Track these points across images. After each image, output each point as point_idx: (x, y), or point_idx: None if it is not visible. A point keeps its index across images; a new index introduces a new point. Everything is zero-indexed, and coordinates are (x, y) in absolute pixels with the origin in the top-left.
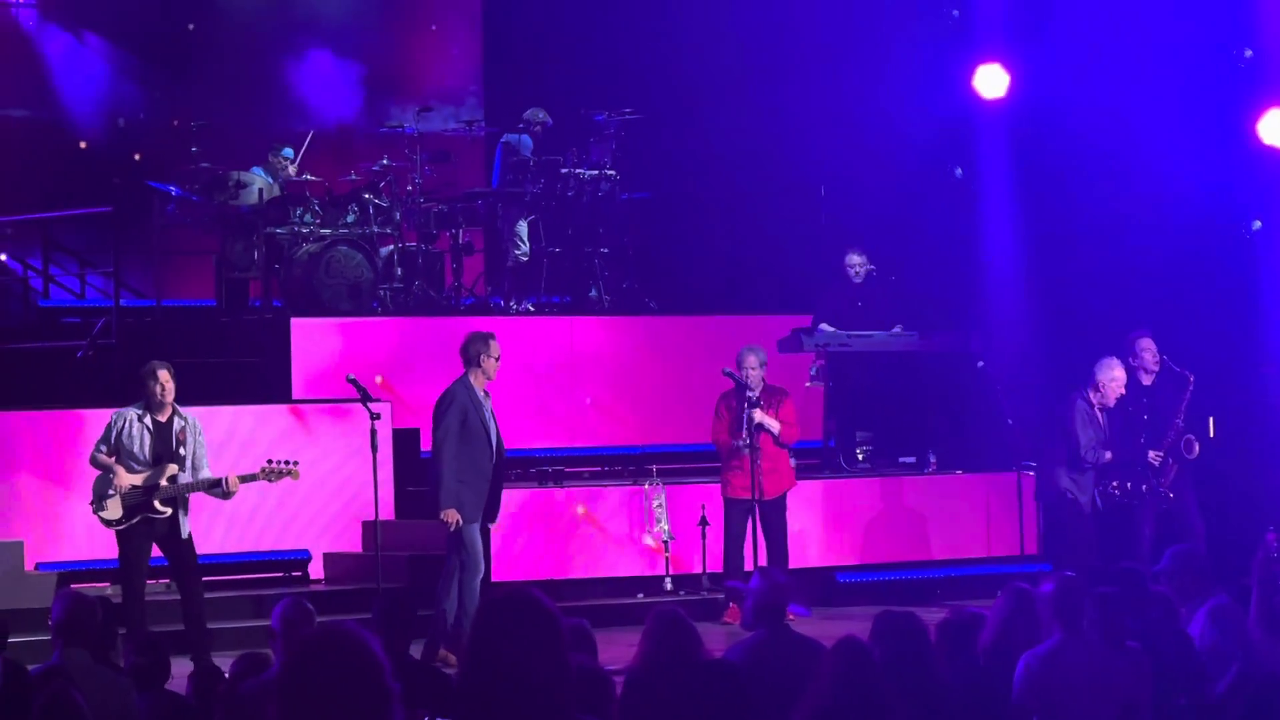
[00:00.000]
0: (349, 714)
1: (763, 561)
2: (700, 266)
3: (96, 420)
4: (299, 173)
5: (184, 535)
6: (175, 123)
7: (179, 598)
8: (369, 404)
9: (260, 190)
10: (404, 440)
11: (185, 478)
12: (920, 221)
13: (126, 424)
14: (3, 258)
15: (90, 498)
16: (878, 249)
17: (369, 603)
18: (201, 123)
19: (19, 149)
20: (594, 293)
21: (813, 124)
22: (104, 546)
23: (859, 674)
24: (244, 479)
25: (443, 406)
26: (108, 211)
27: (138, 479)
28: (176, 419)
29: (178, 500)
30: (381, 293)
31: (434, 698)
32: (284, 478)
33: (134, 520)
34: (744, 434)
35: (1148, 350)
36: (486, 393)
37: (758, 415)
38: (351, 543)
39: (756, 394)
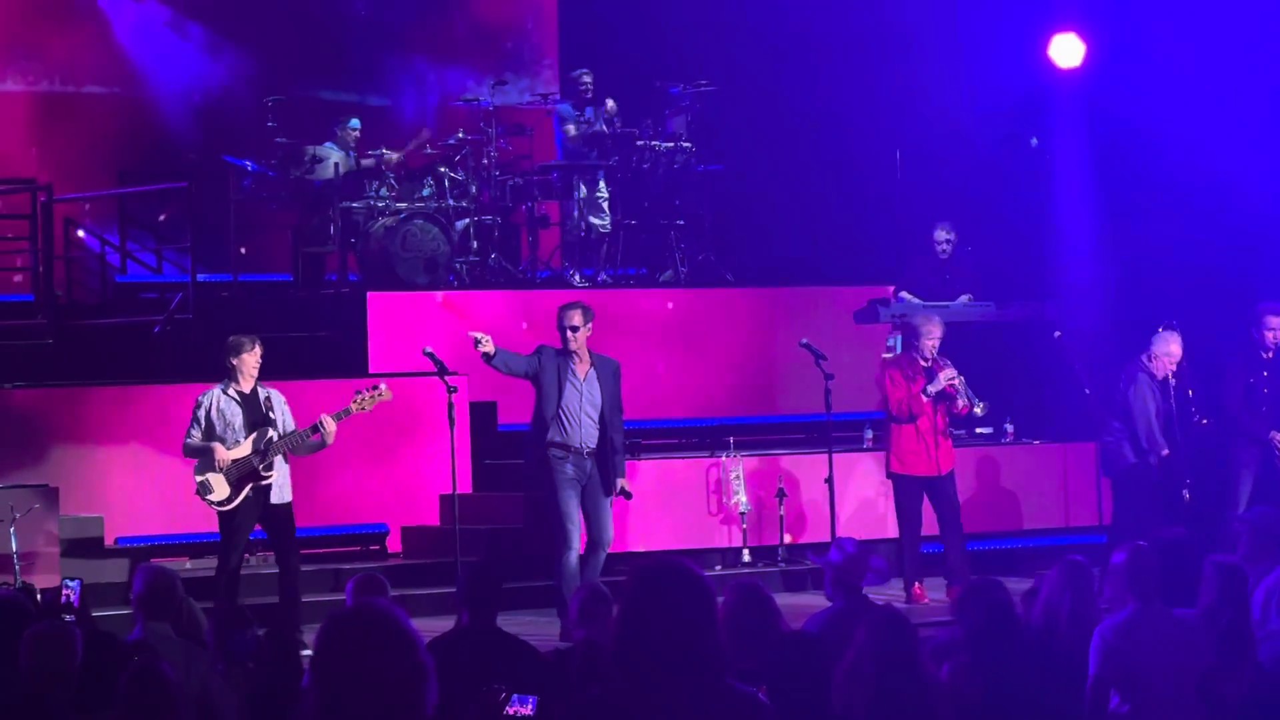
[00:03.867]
0: (383, 690)
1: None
2: (777, 238)
3: (174, 395)
4: (383, 160)
5: (286, 499)
6: (251, 98)
7: (276, 571)
8: (446, 377)
9: (336, 164)
10: (481, 413)
11: (280, 436)
12: (996, 191)
13: (214, 402)
14: (81, 234)
15: (195, 486)
16: (954, 219)
17: (447, 576)
18: (277, 98)
19: (96, 126)
20: (671, 267)
21: (888, 94)
22: (183, 521)
23: (894, 642)
24: (337, 417)
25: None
26: (184, 187)
27: (236, 452)
28: (260, 389)
29: (276, 464)
30: (458, 266)
31: (517, 672)
32: (377, 402)
33: (244, 493)
34: (969, 403)
35: (1270, 329)
36: (607, 362)
37: (959, 384)
38: (429, 516)
39: (931, 364)
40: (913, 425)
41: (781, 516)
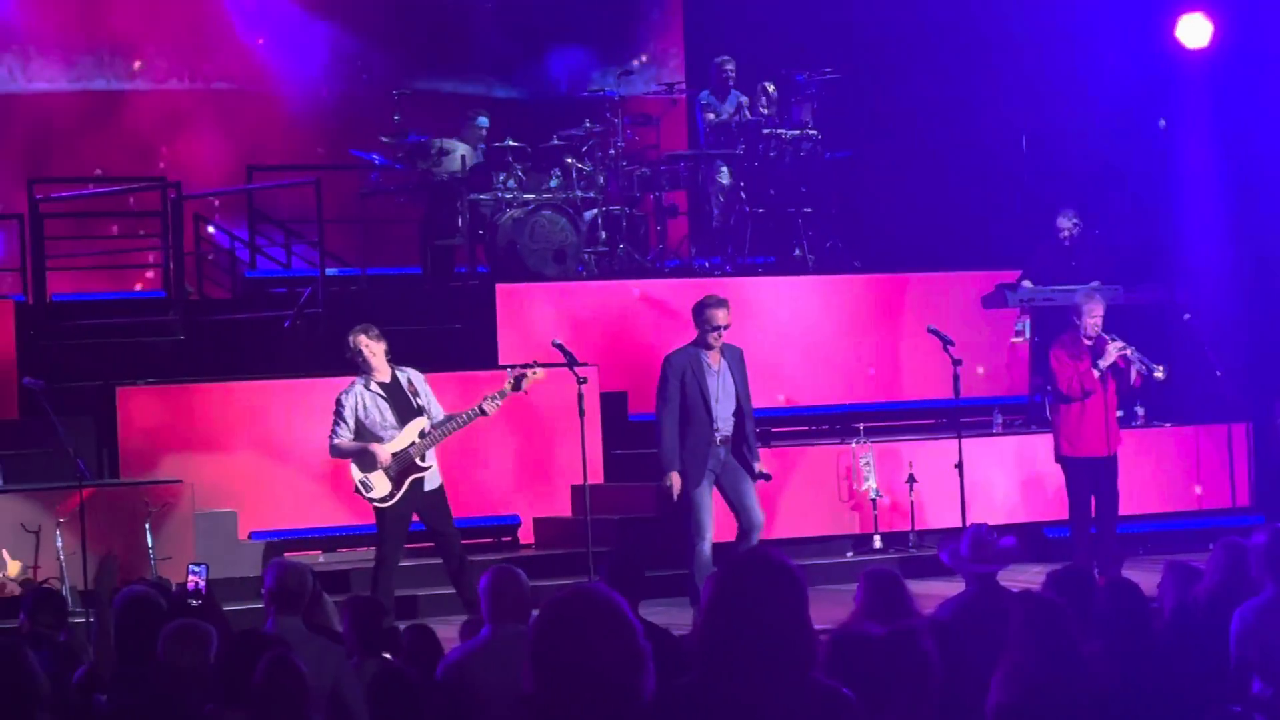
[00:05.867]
0: (603, 675)
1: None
2: (903, 224)
3: (305, 389)
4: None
5: (435, 486)
6: (377, 91)
7: (441, 561)
8: (575, 368)
9: (463, 157)
10: (611, 403)
11: (436, 425)
12: (1123, 173)
13: (357, 400)
14: (210, 230)
15: (353, 485)
16: (1081, 202)
17: (580, 567)
18: (404, 91)
19: (224, 122)
20: (798, 253)
21: (1013, 77)
22: (316, 515)
23: (1049, 628)
24: (498, 398)
25: (662, 371)
26: (312, 182)
27: (394, 446)
28: (399, 374)
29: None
30: (586, 257)
31: (658, 660)
32: (532, 381)
33: (404, 488)
34: (1145, 370)
35: None
36: (731, 349)
37: (1130, 354)
38: (561, 507)
39: (1094, 342)
40: (1081, 405)
41: (912, 502)
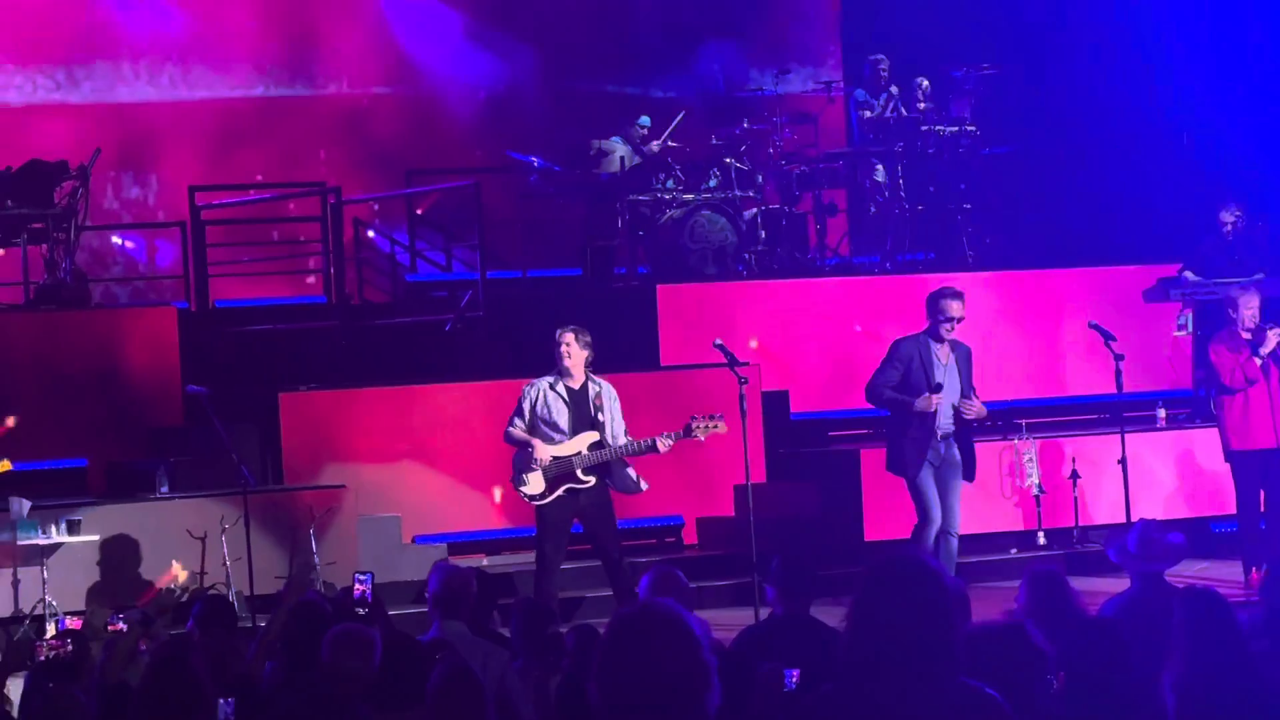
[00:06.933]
0: (665, 689)
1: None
2: (1063, 219)
3: (467, 393)
4: (663, 149)
5: (601, 496)
6: (535, 93)
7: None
8: (736, 368)
9: (622, 158)
10: (773, 403)
11: (607, 444)
12: None
13: (540, 394)
14: (370, 234)
15: (509, 475)
16: (1244, 193)
17: (743, 567)
18: (562, 92)
19: (382, 126)
20: (959, 249)
21: (1173, 69)
22: (480, 519)
23: (1211, 625)
24: (675, 437)
25: (889, 353)
26: (471, 185)
27: (558, 449)
28: (590, 384)
29: (602, 468)
30: (746, 256)
31: (829, 660)
32: (711, 433)
33: (557, 492)
34: None
35: None
36: (960, 346)
37: None
38: (724, 507)
39: (1252, 335)
40: (1245, 397)
41: (1075, 498)
